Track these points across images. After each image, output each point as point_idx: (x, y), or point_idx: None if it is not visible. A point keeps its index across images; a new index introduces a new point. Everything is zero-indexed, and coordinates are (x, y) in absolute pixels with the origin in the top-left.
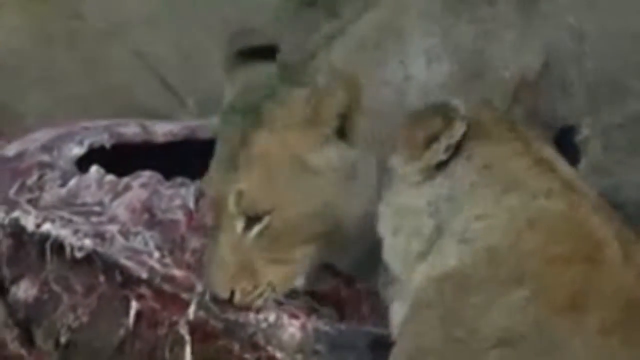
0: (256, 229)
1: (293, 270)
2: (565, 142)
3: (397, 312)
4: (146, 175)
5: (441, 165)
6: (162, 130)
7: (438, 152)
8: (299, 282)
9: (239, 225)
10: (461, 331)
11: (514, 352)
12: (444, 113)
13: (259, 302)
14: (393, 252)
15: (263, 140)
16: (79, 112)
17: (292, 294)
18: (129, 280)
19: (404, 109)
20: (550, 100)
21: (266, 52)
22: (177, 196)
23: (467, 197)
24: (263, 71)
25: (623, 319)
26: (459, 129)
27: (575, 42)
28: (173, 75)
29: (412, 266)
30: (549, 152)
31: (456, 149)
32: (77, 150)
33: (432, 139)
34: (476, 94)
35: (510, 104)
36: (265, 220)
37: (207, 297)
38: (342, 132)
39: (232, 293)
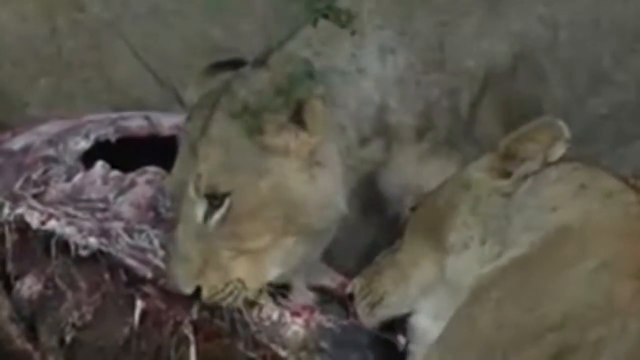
0: (217, 214)
1: (262, 263)
2: None
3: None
4: (152, 171)
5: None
6: (168, 124)
7: (534, 167)
8: (272, 276)
9: (200, 211)
10: (517, 312)
11: (574, 327)
12: (552, 131)
13: (230, 300)
14: (480, 260)
15: (220, 125)
16: (82, 102)
17: (282, 291)
18: (134, 280)
19: (360, 99)
20: (526, 91)
21: (233, 65)
22: None
23: (549, 188)
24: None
25: None
26: (560, 149)
27: (548, 31)
28: (173, 69)
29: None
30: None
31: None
32: (83, 144)
33: (534, 153)
34: (440, 85)
35: (479, 94)
36: (226, 203)
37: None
38: (300, 119)
39: (199, 289)
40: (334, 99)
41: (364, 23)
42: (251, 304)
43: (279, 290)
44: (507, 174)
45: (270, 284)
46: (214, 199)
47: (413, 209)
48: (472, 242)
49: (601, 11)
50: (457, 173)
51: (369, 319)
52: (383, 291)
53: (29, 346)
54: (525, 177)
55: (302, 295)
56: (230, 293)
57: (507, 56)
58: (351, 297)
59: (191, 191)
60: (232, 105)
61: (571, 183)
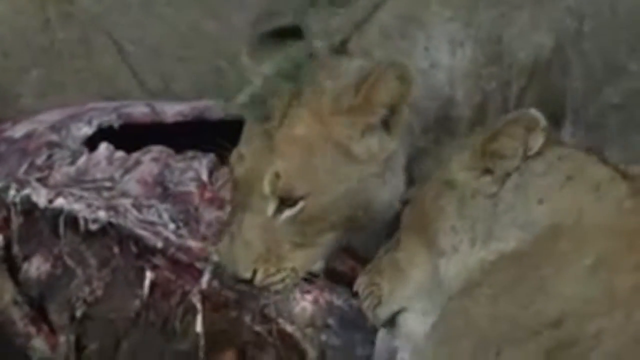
0: (288, 212)
1: (315, 254)
2: None
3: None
4: (156, 149)
5: (515, 170)
6: (172, 111)
7: (514, 162)
8: (319, 266)
9: (271, 207)
10: (512, 308)
11: (571, 322)
12: (527, 123)
13: (279, 286)
14: (473, 262)
15: (305, 124)
16: (73, 93)
17: (311, 277)
18: (144, 251)
19: (430, 97)
20: (557, 83)
21: (289, 33)
22: (189, 169)
23: (535, 182)
24: (290, 54)
25: None
26: (538, 140)
27: (574, 22)
28: (165, 60)
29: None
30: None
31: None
32: (86, 130)
33: (512, 148)
34: (496, 78)
35: (525, 87)
36: (300, 205)
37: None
38: (387, 123)
39: (254, 273)
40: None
41: (433, 14)
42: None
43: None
44: (488, 171)
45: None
46: (288, 200)
47: (405, 202)
48: (461, 246)
49: (619, 0)
50: (442, 171)
51: (374, 319)
52: (384, 291)
53: (31, 329)
54: (508, 174)
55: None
56: (282, 280)
57: (549, 46)
58: (356, 294)
59: (266, 187)
60: (317, 104)
61: (557, 174)
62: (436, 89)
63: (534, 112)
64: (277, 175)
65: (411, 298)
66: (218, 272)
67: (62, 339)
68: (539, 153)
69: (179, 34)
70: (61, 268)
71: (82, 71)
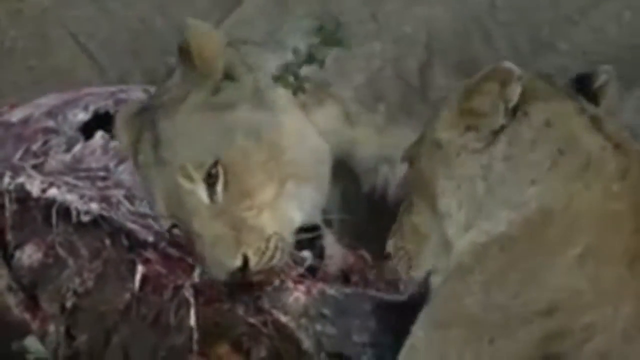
0: (219, 185)
1: (283, 210)
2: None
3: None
4: None
5: (501, 129)
6: None
7: (497, 116)
8: (298, 220)
9: (203, 195)
10: (504, 296)
11: (562, 313)
12: (500, 77)
13: (278, 256)
14: (462, 226)
15: (167, 121)
16: (28, 90)
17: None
18: (135, 244)
19: None
20: (478, 54)
21: None
22: None
23: (525, 155)
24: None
25: None
26: (515, 90)
27: None
28: (116, 55)
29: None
30: (593, 108)
31: (514, 112)
32: (82, 116)
33: (490, 104)
34: (380, 55)
35: (427, 60)
36: (220, 170)
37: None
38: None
39: (246, 259)
40: None
41: None
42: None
43: (312, 242)
44: (471, 128)
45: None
46: (209, 177)
47: (404, 159)
48: (452, 210)
49: None
50: (427, 131)
51: (409, 282)
52: (412, 255)
53: (27, 315)
54: (495, 132)
55: (334, 246)
56: (275, 248)
57: (447, 20)
58: (388, 256)
59: (185, 184)
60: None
61: (547, 148)
62: None
63: (507, 64)
64: (183, 167)
65: (437, 258)
66: (216, 284)
67: (52, 328)
68: (524, 113)
69: (129, 29)
70: (53, 258)
71: (36, 68)
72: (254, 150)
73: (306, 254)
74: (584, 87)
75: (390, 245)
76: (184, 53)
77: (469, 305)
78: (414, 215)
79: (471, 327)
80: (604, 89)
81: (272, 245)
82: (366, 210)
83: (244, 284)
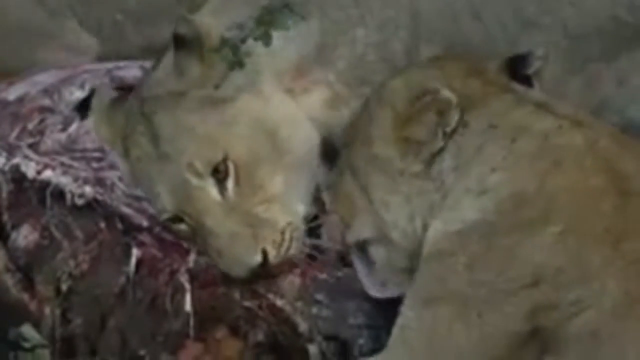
0: (229, 181)
1: (289, 202)
2: (517, 72)
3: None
4: None
5: (440, 150)
6: None
7: (436, 143)
8: (302, 211)
9: (213, 190)
10: (489, 274)
11: (547, 287)
12: (436, 107)
13: (294, 246)
14: (411, 234)
15: (161, 118)
16: None
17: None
18: (130, 228)
19: None
20: (467, 33)
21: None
22: None
23: (474, 159)
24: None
25: None
26: (453, 118)
27: None
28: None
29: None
30: (540, 95)
31: (452, 133)
32: (78, 94)
33: (428, 133)
34: (363, 40)
35: (412, 42)
36: (230, 165)
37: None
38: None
39: (265, 254)
40: None
41: None
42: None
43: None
44: (410, 153)
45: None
46: (218, 172)
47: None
48: (400, 222)
49: None
50: (361, 126)
51: (345, 241)
52: (345, 220)
53: (24, 295)
54: (434, 154)
55: (333, 233)
56: (291, 239)
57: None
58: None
59: (194, 181)
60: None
61: (497, 143)
62: None
63: (444, 93)
64: (190, 165)
65: (372, 232)
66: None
67: (47, 310)
68: (464, 124)
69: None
70: (48, 239)
71: None
72: (259, 142)
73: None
74: (517, 71)
75: (326, 200)
76: (186, 46)
77: (454, 283)
78: (349, 185)
79: (459, 303)
80: (538, 74)
81: (287, 236)
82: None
83: (263, 278)
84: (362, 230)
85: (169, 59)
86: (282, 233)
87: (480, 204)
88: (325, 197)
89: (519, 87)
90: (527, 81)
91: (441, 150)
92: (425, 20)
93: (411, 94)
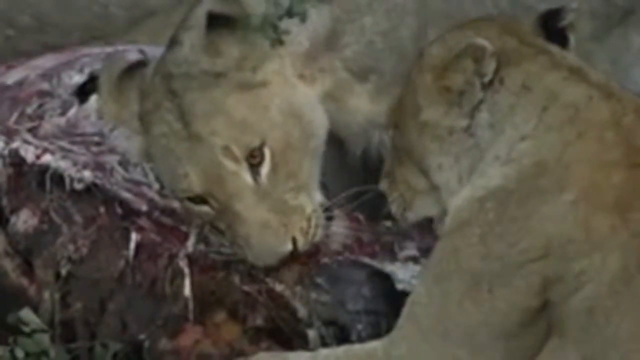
0: (264, 167)
1: (311, 191)
2: (552, 27)
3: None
4: None
5: (480, 102)
6: None
7: (474, 92)
8: (318, 198)
9: (247, 175)
10: (501, 246)
11: (557, 258)
12: (473, 54)
13: (319, 233)
14: (462, 197)
15: (201, 97)
16: None
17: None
18: (129, 212)
19: None
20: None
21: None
22: None
23: (508, 119)
24: None
25: None
26: (490, 66)
27: None
28: None
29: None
30: (575, 60)
31: (490, 83)
32: (78, 78)
33: (466, 82)
34: (372, 28)
35: (419, 29)
36: (266, 152)
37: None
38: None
39: (294, 242)
40: None
41: None
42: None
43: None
44: (453, 104)
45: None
46: (252, 158)
47: (388, 126)
48: (450, 183)
49: None
50: (408, 98)
51: (402, 221)
52: (406, 200)
53: (24, 280)
54: (475, 107)
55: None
56: (316, 226)
57: None
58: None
59: (229, 164)
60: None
61: (529, 108)
62: None
63: (480, 40)
64: (226, 148)
65: (429, 209)
66: (203, 234)
67: (46, 295)
68: (500, 81)
69: None
70: (47, 224)
71: None
72: (291, 128)
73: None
74: (550, 26)
75: (383, 186)
76: (226, 25)
77: (467, 256)
78: (404, 169)
79: (470, 279)
80: (572, 26)
81: (313, 223)
82: (360, 173)
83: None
84: (422, 210)
85: (196, 37)
86: (309, 220)
87: (505, 171)
88: (383, 185)
89: (554, 49)
90: (562, 35)
91: (481, 103)
92: (432, 5)
93: (449, 50)
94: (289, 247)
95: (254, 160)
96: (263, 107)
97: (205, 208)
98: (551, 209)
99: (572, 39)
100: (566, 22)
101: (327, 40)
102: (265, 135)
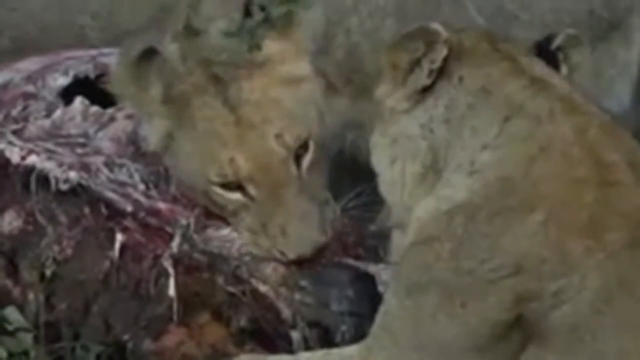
0: (306, 160)
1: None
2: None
3: (397, 238)
4: None
5: (427, 89)
6: None
7: (421, 76)
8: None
9: (292, 167)
10: (472, 263)
11: (530, 277)
12: (425, 37)
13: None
14: (391, 182)
15: (257, 86)
16: None
17: None
18: (114, 213)
19: None
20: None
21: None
22: None
23: (465, 121)
24: None
25: (637, 239)
26: (440, 52)
27: None
28: None
29: (410, 192)
30: (540, 68)
31: (442, 73)
32: (62, 81)
33: (415, 64)
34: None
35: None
36: (311, 145)
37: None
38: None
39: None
40: None
41: None
42: None
43: None
44: (398, 84)
45: None
46: (300, 148)
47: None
48: (382, 166)
49: None
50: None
51: (383, 225)
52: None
53: (8, 282)
54: (419, 91)
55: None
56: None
57: None
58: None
59: (282, 152)
60: None
61: (489, 114)
62: None
63: (434, 25)
64: (279, 136)
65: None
66: (188, 234)
67: (31, 296)
68: (459, 78)
69: None
70: (32, 225)
71: None
72: (319, 122)
73: None
74: (543, 51)
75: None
76: (284, 22)
77: (439, 270)
78: (389, 174)
79: (443, 292)
80: (565, 52)
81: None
82: (337, 172)
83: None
84: (395, 214)
85: (226, 25)
86: (334, 212)
87: (469, 183)
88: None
89: (523, 58)
90: (553, 61)
91: (427, 90)
92: (411, 8)
93: (406, 32)
94: (324, 237)
95: (300, 151)
96: (305, 101)
97: (236, 195)
98: (522, 229)
99: (576, 59)
100: (555, 44)
101: (320, 42)
102: (311, 128)
